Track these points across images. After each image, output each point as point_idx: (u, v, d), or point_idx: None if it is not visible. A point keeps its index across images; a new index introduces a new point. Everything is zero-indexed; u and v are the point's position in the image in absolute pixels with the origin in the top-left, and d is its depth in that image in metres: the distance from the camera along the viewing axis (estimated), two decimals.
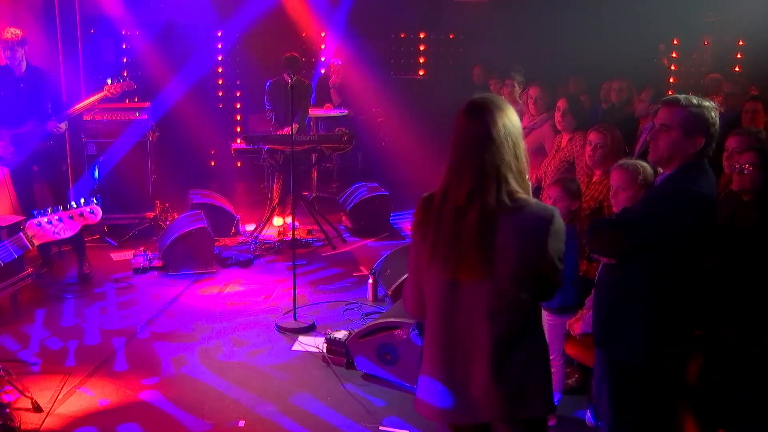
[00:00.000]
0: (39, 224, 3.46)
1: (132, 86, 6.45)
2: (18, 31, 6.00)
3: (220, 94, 10.98)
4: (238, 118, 10.94)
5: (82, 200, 3.57)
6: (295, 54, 7.83)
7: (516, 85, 7.31)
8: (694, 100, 2.85)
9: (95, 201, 3.59)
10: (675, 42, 10.20)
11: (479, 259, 2.28)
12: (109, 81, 6.33)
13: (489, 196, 2.26)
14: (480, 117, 2.30)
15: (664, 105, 2.92)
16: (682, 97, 2.88)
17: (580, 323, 3.83)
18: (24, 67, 6.12)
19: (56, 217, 3.49)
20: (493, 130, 2.28)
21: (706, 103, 2.86)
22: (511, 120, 2.33)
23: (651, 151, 2.96)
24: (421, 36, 11.25)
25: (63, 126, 6.16)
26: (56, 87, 6.56)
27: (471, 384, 2.37)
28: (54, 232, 3.49)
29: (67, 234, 3.53)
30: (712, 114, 2.84)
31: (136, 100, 8.67)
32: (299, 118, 7.85)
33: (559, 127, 5.46)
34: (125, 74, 6.51)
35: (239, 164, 10.40)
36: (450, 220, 2.31)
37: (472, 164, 2.29)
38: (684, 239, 2.81)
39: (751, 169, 3.55)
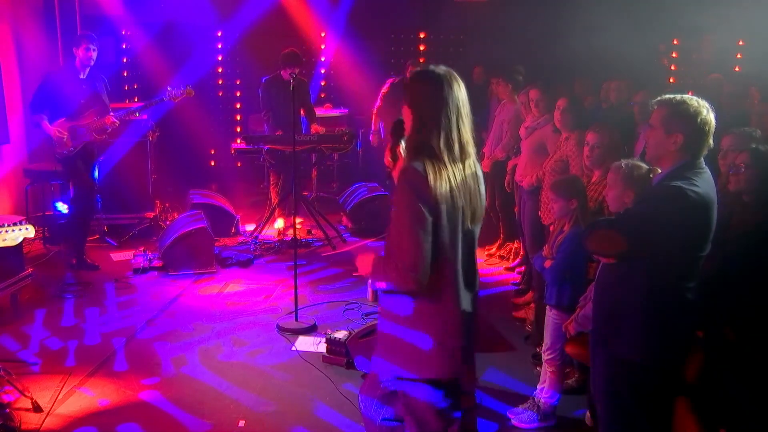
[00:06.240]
0: None
1: (192, 94, 6.67)
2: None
3: (220, 94, 10.98)
4: (238, 118, 10.95)
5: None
6: (295, 50, 7.56)
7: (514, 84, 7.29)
8: (678, 97, 2.85)
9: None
10: (675, 42, 10.19)
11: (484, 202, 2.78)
12: (169, 88, 6.62)
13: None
14: (460, 82, 2.65)
15: (655, 105, 2.96)
16: (668, 96, 2.88)
17: (573, 324, 3.81)
18: (88, 71, 6.44)
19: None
20: (463, 94, 2.65)
21: (693, 101, 2.83)
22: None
23: (646, 151, 3.02)
24: (421, 36, 11.24)
25: (118, 122, 6.49)
26: (108, 88, 6.82)
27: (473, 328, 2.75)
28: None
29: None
30: (692, 111, 2.80)
31: (135, 99, 8.68)
32: (308, 116, 7.84)
33: (558, 125, 5.46)
34: (189, 87, 6.64)
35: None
36: (466, 176, 2.67)
37: (467, 126, 2.65)
38: (677, 238, 2.79)
39: (744, 169, 3.56)
